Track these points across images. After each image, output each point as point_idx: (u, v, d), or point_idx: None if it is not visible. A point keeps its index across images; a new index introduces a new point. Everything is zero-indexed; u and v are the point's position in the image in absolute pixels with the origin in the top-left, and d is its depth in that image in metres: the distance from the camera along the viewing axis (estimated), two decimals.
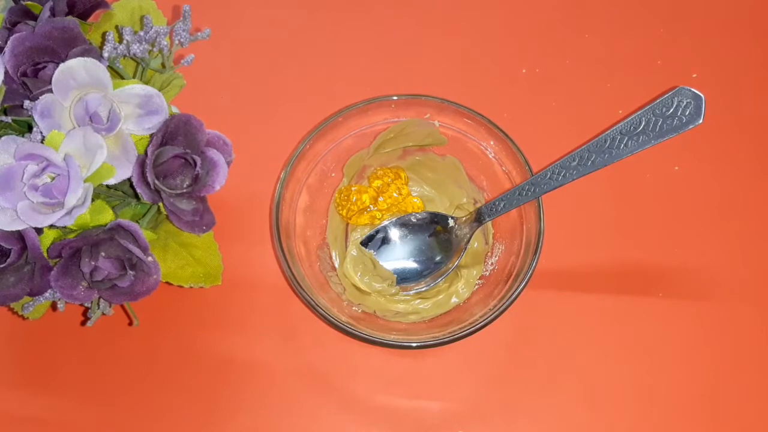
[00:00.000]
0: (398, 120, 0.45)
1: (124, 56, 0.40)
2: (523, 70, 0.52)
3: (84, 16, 0.42)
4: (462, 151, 0.46)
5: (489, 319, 0.41)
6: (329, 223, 0.47)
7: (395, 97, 0.44)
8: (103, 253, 0.39)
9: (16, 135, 0.39)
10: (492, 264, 0.46)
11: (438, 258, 0.46)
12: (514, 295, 0.41)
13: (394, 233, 0.47)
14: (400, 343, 0.41)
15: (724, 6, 0.53)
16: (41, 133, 0.38)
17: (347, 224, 0.48)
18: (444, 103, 0.44)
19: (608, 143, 0.37)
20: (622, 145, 0.37)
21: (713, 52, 0.52)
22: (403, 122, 0.45)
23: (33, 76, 0.39)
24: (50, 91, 0.38)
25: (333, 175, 0.47)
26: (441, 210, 0.48)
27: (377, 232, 0.47)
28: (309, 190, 0.46)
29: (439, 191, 0.48)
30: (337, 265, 0.47)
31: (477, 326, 0.41)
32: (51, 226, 0.38)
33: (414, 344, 0.41)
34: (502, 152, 0.45)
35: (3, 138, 0.38)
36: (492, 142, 0.44)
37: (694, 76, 0.52)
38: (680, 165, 0.51)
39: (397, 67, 0.52)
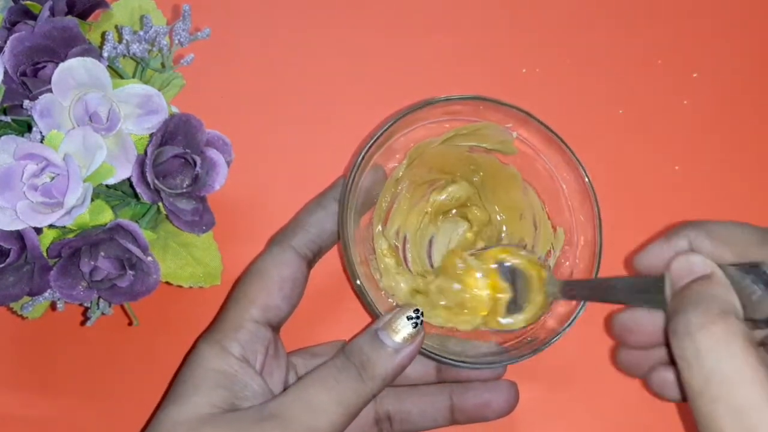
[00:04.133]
0: (476, 120, 0.45)
1: (124, 56, 0.40)
2: (523, 70, 0.52)
3: (83, 15, 0.42)
4: (528, 168, 0.45)
5: (512, 360, 0.41)
6: (378, 200, 0.45)
7: (482, 100, 0.43)
8: (102, 253, 0.39)
9: (16, 135, 0.39)
10: None
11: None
12: (542, 349, 0.41)
13: None
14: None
15: (725, 6, 0.53)
16: (41, 132, 0.38)
17: (392, 205, 0.46)
18: (530, 119, 0.43)
19: None
20: None
21: (713, 52, 0.52)
22: (482, 123, 0.45)
23: (32, 75, 0.39)
24: (50, 90, 0.38)
25: (397, 156, 0.45)
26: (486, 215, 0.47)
27: None
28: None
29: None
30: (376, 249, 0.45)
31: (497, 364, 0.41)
32: (50, 226, 0.38)
33: (426, 352, 0.40)
34: (573, 184, 0.44)
35: (2, 138, 0.38)
36: (564, 174, 0.44)
37: (695, 75, 0.52)
38: (680, 165, 0.50)
39: (396, 67, 0.52)
